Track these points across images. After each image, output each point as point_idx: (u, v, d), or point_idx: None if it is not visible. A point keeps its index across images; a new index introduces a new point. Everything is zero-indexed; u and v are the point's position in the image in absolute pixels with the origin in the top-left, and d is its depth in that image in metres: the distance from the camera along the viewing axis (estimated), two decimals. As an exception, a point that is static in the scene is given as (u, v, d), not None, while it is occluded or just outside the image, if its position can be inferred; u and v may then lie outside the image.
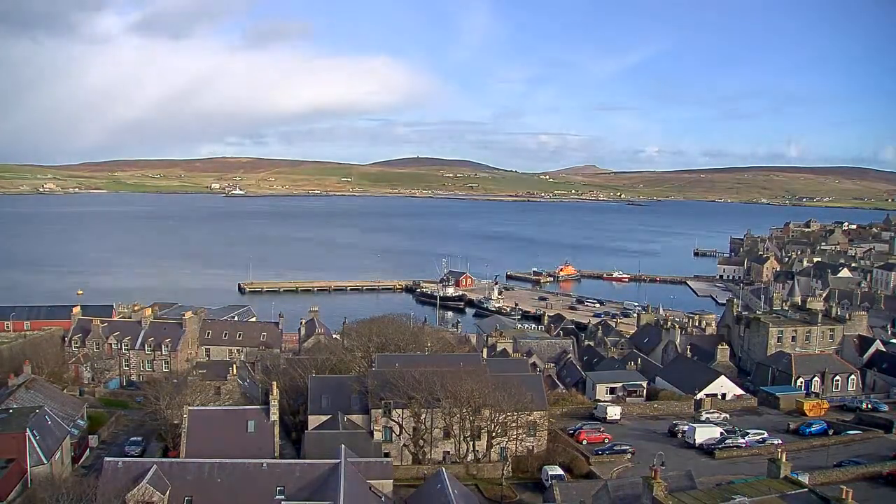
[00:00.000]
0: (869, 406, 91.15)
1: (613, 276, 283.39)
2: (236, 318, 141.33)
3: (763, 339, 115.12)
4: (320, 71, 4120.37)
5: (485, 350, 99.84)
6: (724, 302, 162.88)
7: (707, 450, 72.78)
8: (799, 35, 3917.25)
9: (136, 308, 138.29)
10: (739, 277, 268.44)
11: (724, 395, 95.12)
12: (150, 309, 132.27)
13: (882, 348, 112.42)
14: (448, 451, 70.94)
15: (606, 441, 75.48)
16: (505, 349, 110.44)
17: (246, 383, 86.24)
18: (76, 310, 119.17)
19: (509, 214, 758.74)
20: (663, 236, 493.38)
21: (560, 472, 64.34)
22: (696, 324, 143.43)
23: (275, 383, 66.24)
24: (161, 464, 52.58)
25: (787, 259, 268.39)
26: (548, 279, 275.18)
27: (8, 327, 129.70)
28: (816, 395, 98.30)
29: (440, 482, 51.66)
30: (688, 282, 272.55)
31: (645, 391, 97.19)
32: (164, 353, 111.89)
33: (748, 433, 77.15)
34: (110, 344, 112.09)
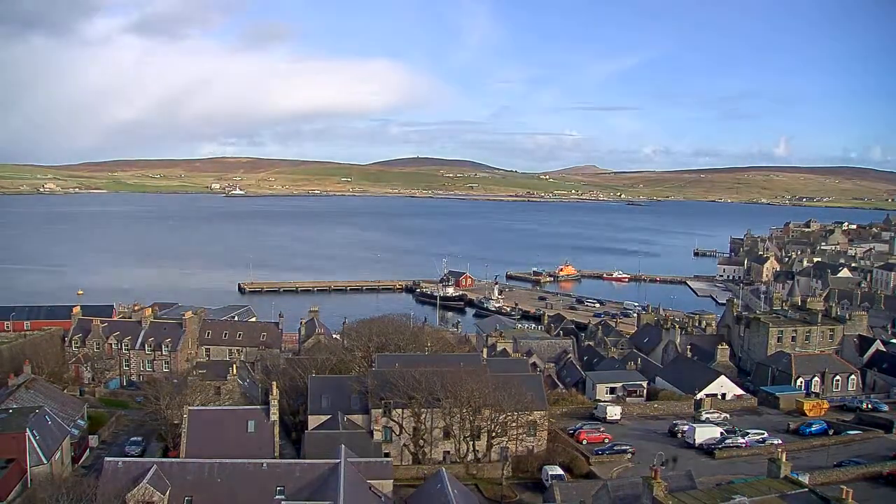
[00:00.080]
0: (869, 406, 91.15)
1: (613, 276, 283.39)
2: (236, 318, 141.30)
3: (763, 339, 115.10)
4: (320, 72, 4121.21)
5: (485, 350, 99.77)
6: (724, 302, 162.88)
7: (707, 450, 72.80)
8: (799, 35, 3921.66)
9: (136, 308, 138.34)
10: (739, 277, 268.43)
11: (724, 395, 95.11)
12: (150, 309, 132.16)
13: (882, 348, 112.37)
14: (448, 451, 70.93)
15: (606, 441, 75.47)
16: (505, 349, 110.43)
17: (246, 383, 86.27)
18: (76, 310, 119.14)
19: (510, 214, 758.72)
20: (663, 236, 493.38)
21: (560, 472, 64.35)
22: (696, 324, 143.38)
23: (275, 383, 66.25)
24: (161, 464, 52.59)
25: (787, 259, 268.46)
26: (548, 279, 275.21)
27: (8, 327, 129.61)
28: (816, 395, 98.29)
29: (440, 482, 51.66)
30: (688, 282, 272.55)
31: (645, 391, 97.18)
32: (164, 353, 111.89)
33: (748, 433, 77.15)
34: (110, 344, 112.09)
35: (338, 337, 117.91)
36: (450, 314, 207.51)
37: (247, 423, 62.10)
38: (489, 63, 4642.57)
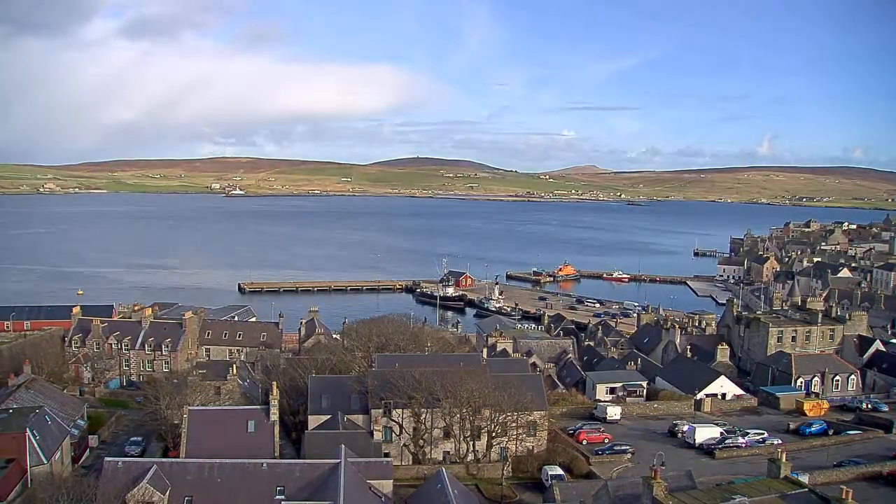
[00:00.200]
0: (869, 406, 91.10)
1: (613, 276, 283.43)
2: (236, 318, 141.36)
3: (763, 339, 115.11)
4: (320, 73, 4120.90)
5: (485, 350, 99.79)
6: (724, 302, 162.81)
7: (707, 450, 72.80)
8: (799, 35, 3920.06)
9: (136, 308, 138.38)
10: (739, 277, 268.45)
11: (724, 395, 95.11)
12: (150, 309, 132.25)
13: (882, 348, 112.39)
14: (448, 451, 70.92)
15: (606, 441, 75.46)
16: (505, 349, 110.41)
17: (246, 383, 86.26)
18: (76, 310, 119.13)
19: (510, 214, 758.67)
20: (663, 236, 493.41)
21: (560, 472, 64.32)
22: (696, 324, 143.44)
23: (275, 383, 66.24)
24: (161, 464, 52.59)
25: (787, 259, 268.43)
26: (548, 279, 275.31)
27: (8, 327, 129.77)
28: (816, 395, 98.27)
29: (440, 482, 51.67)
30: (688, 282, 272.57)
31: (645, 391, 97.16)
32: (164, 353, 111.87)
33: (748, 433, 77.16)
34: (110, 344, 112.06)
35: (338, 337, 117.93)
36: (450, 314, 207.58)
37: (247, 423, 62.08)
38: (489, 64, 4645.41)
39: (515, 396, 69.68)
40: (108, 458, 53.72)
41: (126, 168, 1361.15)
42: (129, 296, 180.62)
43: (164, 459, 57.14)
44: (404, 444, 70.55)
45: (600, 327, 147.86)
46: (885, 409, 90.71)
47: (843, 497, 42.11)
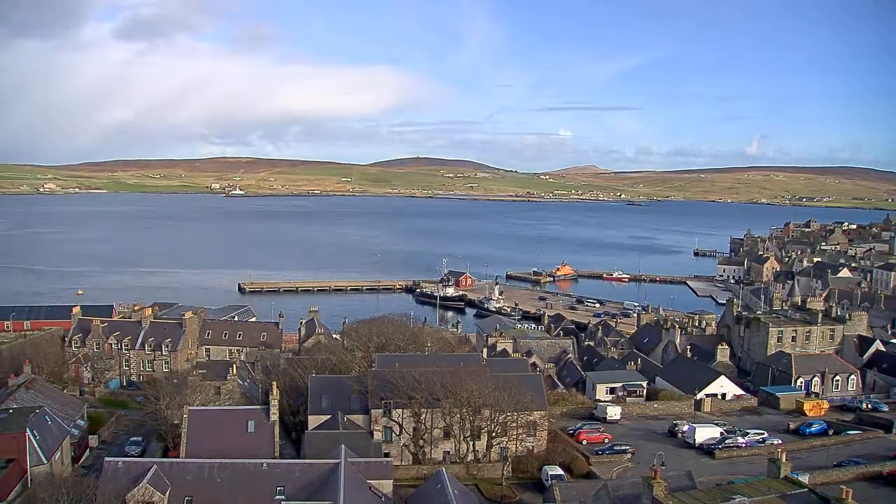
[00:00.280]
0: (869, 406, 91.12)
1: (613, 276, 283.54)
2: (236, 318, 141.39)
3: (763, 339, 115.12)
4: (319, 75, 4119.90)
5: (485, 350, 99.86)
6: (724, 302, 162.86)
7: (707, 450, 72.81)
8: (799, 35, 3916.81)
9: (136, 308, 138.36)
10: (739, 277, 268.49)
11: (724, 395, 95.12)
12: (150, 309, 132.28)
13: (882, 348, 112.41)
14: (448, 451, 70.93)
15: (606, 441, 75.48)
16: (505, 349, 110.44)
17: (246, 383, 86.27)
18: (76, 310, 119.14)
19: (509, 214, 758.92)
20: (663, 236, 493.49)
21: (560, 472, 64.34)
22: (696, 324, 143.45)
23: (275, 383, 66.26)
24: (161, 464, 52.60)
25: (787, 259, 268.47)
26: (548, 279, 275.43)
27: (8, 327, 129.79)
28: (816, 395, 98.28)
29: (440, 482, 51.68)
30: (688, 282, 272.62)
31: (645, 391, 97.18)
32: (164, 353, 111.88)
33: (748, 433, 77.17)
34: (110, 344, 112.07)
35: (338, 337, 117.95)
36: (450, 314, 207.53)
37: (247, 423, 62.10)
38: (489, 64, 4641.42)
39: (515, 396, 69.68)
40: (108, 458, 53.74)
41: (126, 168, 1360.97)
42: (129, 296, 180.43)
43: (164, 459, 57.16)
44: (404, 444, 70.55)
45: (600, 327, 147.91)
46: (885, 409, 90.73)
47: (843, 497, 42.13)
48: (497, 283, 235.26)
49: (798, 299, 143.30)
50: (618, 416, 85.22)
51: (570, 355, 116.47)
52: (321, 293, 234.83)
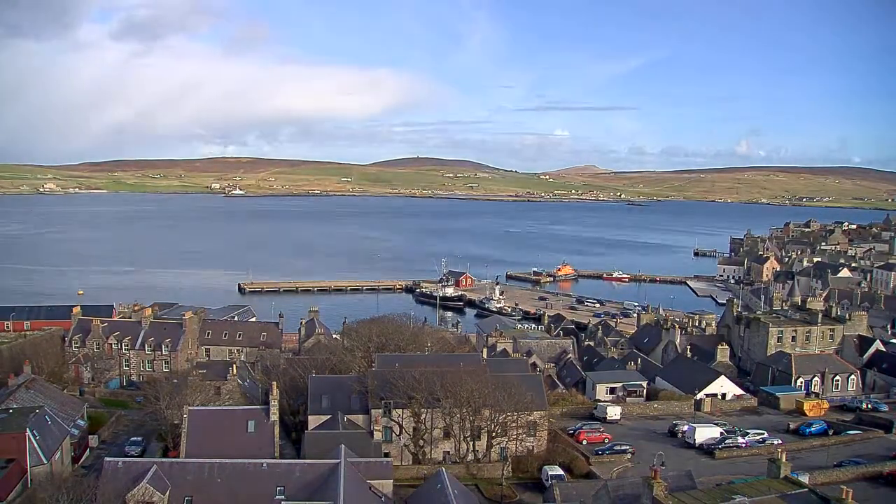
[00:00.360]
0: (869, 406, 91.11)
1: (613, 276, 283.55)
2: (236, 318, 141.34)
3: (763, 339, 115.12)
4: (320, 76, 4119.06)
5: (485, 350, 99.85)
6: (724, 302, 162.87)
7: (707, 450, 72.81)
8: (799, 35, 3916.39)
9: (136, 308, 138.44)
10: (739, 277, 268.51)
11: (724, 395, 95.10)
12: (150, 309, 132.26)
13: (882, 348, 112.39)
14: (448, 451, 70.93)
15: (606, 441, 75.47)
16: (505, 349, 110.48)
17: (246, 383, 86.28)
18: (76, 310, 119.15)
19: (509, 214, 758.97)
20: (663, 236, 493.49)
21: (560, 472, 64.33)
22: (696, 324, 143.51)
23: (275, 383, 66.20)
24: (161, 464, 52.58)
25: (787, 259, 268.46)
26: (548, 279, 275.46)
27: (8, 327, 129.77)
28: (816, 395, 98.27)
29: (440, 482, 51.67)
30: (688, 282, 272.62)
31: (645, 391, 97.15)
32: (164, 353, 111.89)
33: (748, 433, 77.16)
34: (110, 344, 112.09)
35: (338, 337, 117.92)
36: (450, 314, 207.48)
37: (247, 423, 62.08)
38: (490, 65, 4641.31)
39: (515, 396, 69.69)
40: (108, 458, 53.72)
41: (126, 168, 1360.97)
42: (129, 296, 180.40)
43: (164, 459, 57.15)
44: (404, 444, 70.55)
45: (600, 327, 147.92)
46: (885, 409, 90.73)
47: (843, 497, 42.13)
48: (497, 283, 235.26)
49: (798, 299, 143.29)
50: (618, 416, 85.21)
51: (570, 355, 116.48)
52: (321, 293, 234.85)
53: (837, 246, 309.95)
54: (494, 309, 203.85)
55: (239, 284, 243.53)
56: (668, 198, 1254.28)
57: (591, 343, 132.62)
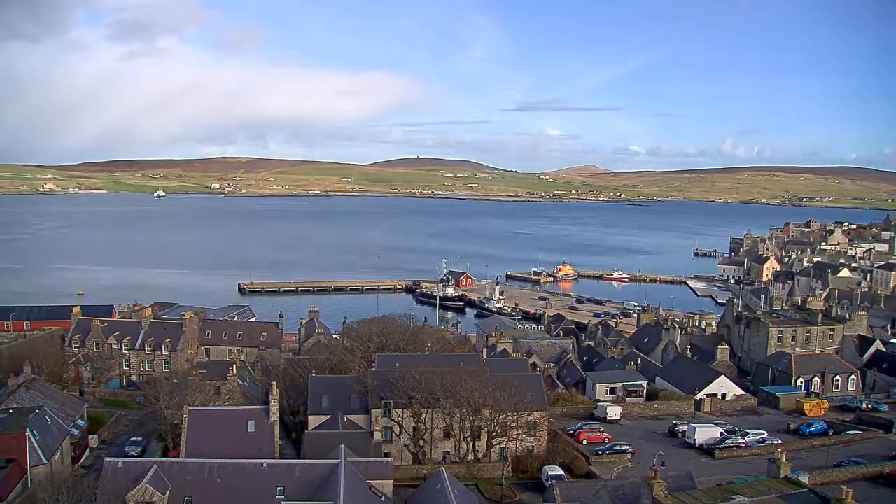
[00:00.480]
0: (869, 406, 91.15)
1: (613, 276, 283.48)
2: (236, 318, 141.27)
3: (763, 339, 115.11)
4: (321, 77, 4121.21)
5: (485, 350, 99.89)
6: (724, 302, 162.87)
7: (707, 450, 72.81)
8: (799, 35, 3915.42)
9: (136, 308, 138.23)
10: (739, 277, 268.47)
11: (724, 395, 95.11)
12: (150, 309, 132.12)
13: (882, 348, 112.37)
14: (448, 451, 70.93)
15: (606, 441, 75.48)
16: (505, 349, 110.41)
17: (246, 383, 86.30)
18: (76, 310, 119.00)
19: (509, 214, 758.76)
20: (663, 236, 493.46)
21: (560, 472, 64.30)
22: (696, 324, 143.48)
23: (275, 383, 66.15)
24: (161, 464, 52.55)
25: (787, 259, 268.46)
26: (548, 279, 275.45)
27: (8, 327, 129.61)
28: (816, 395, 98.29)
29: (440, 482, 51.65)
30: (688, 282, 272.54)
31: (645, 391, 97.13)
32: (164, 353, 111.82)
33: (748, 433, 77.15)
34: (110, 344, 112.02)
35: (338, 337, 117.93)
36: (450, 314, 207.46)
37: (247, 423, 62.00)
38: (491, 66, 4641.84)
39: (515, 396, 69.66)
40: (108, 458, 53.67)
41: (126, 168, 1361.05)
42: (129, 296, 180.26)
43: (164, 459, 57.12)
44: (404, 444, 70.55)
45: (600, 327, 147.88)
46: (885, 409, 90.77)
47: (843, 497, 42.12)
48: (497, 283, 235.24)
49: (798, 299, 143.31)
50: (618, 416, 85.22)
51: (570, 355, 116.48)
52: (321, 293, 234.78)
53: (837, 246, 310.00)
54: (494, 309, 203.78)
55: (239, 284, 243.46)
56: (668, 198, 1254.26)
57: (591, 343, 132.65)
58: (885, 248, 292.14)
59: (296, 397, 78.80)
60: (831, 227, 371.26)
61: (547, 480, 62.64)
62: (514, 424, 70.68)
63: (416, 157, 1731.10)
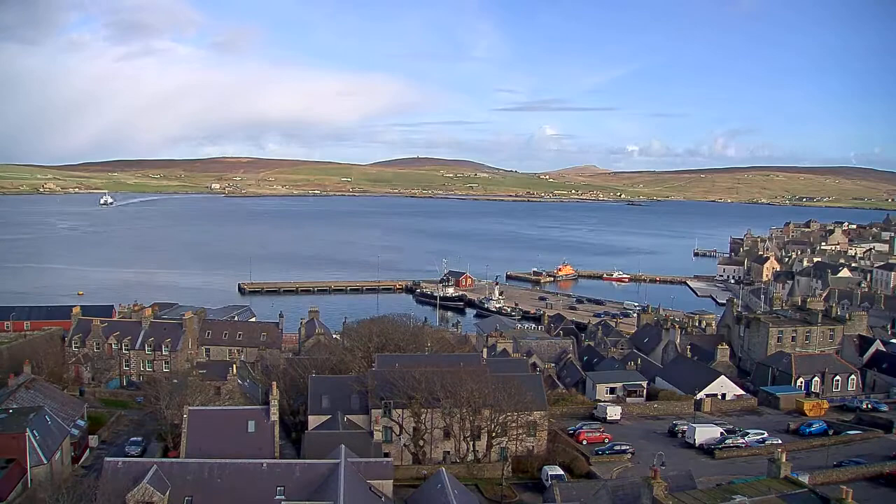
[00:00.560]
0: (869, 406, 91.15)
1: (613, 276, 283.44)
2: (236, 318, 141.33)
3: (763, 339, 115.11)
4: (321, 77, 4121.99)
5: (485, 350, 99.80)
6: (724, 302, 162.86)
7: (707, 450, 72.80)
8: (799, 35, 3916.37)
9: (136, 308, 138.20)
10: (739, 277, 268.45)
11: (724, 395, 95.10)
12: (150, 309, 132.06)
13: (882, 348, 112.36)
14: (448, 451, 70.91)
15: (606, 441, 75.49)
16: (505, 349, 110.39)
17: (246, 383, 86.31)
18: (76, 310, 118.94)
19: (509, 214, 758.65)
20: (663, 236, 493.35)
21: (560, 472, 64.31)
22: (696, 324, 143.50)
23: (275, 383, 66.18)
24: (161, 464, 52.54)
25: (787, 259, 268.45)
26: (548, 279, 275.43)
27: (8, 327, 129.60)
28: (816, 395, 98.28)
29: (440, 482, 51.65)
30: (688, 282, 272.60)
31: (645, 391, 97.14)
32: (164, 353, 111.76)
33: (748, 433, 77.15)
34: (110, 344, 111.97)
35: (338, 337, 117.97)
36: (450, 314, 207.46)
37: (247, 423, 62.00)
38: (491, 67, 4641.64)
39: (515, 396, 69.64)
40: (108, 458, 53.66)
41: (126, 168, 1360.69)
42: (129, 296, 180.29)
43: (164, 459, 57.10)
44: (404, 444, 70.54)
45: (600, 327, 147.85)
46: (885, 409, 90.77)
47: (843, 497, 42.09)
48: (497, 283, 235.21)
49: (798, 299, 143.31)
50: (618, 416, 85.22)
51: (570, 355, 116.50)
52: (321, 293, 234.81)
53: (837, 246, 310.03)
54: (494, 309, 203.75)
55: (239, 284, 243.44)
56: (668, 198, 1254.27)
57: (591, 343, 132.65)
58: (885, 248, 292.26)
59: (296, 397, 78.79)
60: (831, 227, 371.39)
61: (547, 480, 62.64)
62: (514, 424, 70.67)
63: (415, 157, 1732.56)
